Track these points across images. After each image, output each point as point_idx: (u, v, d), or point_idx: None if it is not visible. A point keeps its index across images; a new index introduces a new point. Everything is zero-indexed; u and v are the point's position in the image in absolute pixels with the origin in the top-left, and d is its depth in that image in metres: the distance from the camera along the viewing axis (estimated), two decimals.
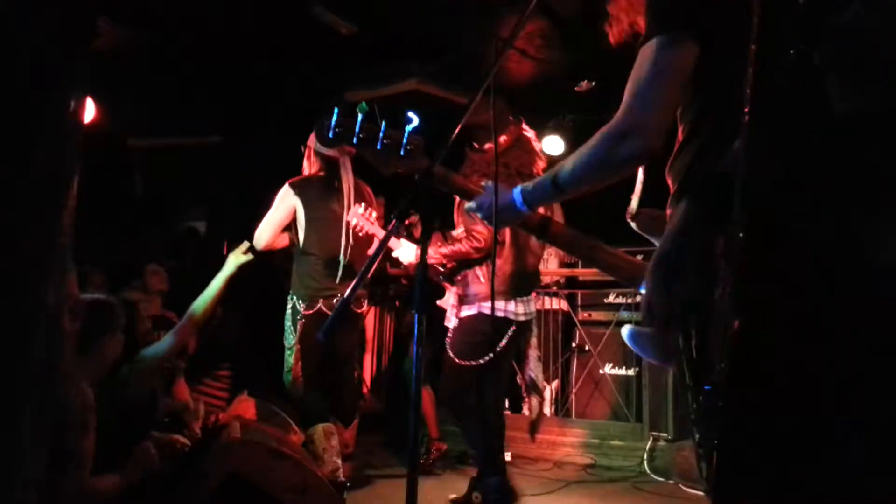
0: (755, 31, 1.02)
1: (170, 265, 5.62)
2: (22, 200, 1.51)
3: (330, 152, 3.91)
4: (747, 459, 1.09)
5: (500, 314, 3.51)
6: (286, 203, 3.89)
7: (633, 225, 1.69)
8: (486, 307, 3.48)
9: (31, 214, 1.53)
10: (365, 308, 4.23)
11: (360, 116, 1.70)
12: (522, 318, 3.57)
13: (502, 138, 3.51)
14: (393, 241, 3.82)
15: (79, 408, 2.40)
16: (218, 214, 7.92)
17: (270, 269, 6.26)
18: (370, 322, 6.47)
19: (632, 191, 1.75)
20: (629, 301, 5.63)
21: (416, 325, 1.48)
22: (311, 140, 4.01)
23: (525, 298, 3.59)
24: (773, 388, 1.10)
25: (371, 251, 3.87)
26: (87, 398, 2.45)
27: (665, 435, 5.05)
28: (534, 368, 3.79)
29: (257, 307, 5.71)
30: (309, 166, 4.01)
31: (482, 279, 3.53)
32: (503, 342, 3.51)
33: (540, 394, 3.90)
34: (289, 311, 3.90)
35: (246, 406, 3.99)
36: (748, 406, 1.08)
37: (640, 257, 1.76)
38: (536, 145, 3.70)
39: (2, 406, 1.48)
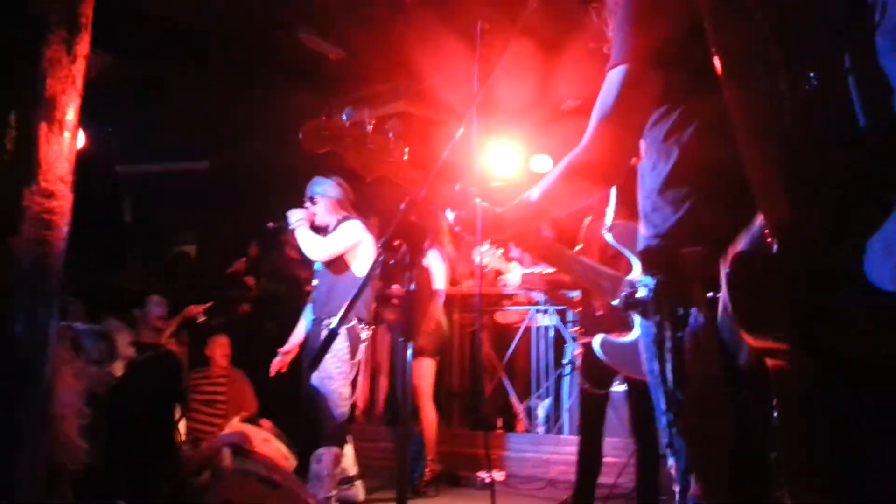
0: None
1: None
2: None
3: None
4: None
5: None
6: (355, 237, 3.94)
7: (608, 237, 1.70)
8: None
9: None
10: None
11: (346, 119, 1.69)
12: None
13: None
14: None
15: None
16: (208, 238, 7.93)
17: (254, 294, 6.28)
18: None
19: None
20: None
21: (406, 352, 1.49)
22: (333, 191, 4.04)
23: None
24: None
25: None
26: None
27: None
28: None
29: (247, 335, 5.71)
30: (339, 207, 4.03)
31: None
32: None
33: None
34: (344, 333, 3.73)
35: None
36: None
37: None
38: None
39: None
